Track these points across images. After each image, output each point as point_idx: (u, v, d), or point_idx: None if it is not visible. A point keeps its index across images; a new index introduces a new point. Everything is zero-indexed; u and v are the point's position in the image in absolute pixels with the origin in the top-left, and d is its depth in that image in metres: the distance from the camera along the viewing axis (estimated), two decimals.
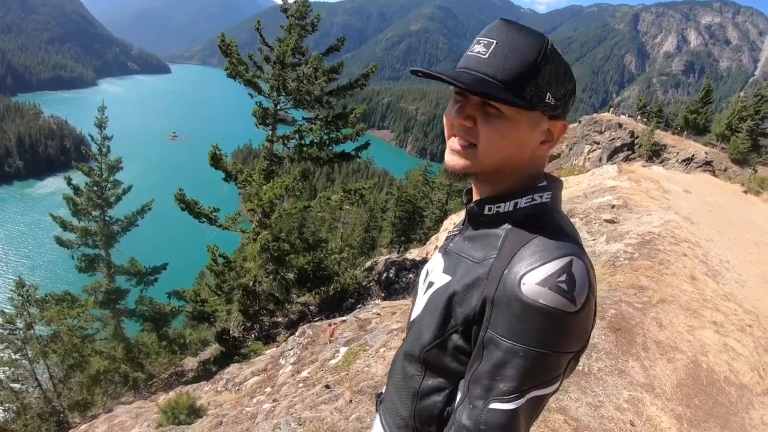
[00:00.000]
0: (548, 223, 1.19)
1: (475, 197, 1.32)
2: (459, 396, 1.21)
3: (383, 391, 1.73)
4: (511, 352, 1.05)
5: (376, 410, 1.72)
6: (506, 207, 1.22)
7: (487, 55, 1.11)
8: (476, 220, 1.29)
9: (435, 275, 1.35)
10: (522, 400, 1.06)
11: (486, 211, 1.25)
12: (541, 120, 1.17)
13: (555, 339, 1.06)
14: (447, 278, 1.27)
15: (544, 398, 1.11)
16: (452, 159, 1.22)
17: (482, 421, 1.07)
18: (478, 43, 1.14)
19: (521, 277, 1.06)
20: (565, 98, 1.18)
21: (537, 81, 1.11)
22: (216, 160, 14.82)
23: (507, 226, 1.21)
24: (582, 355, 1.18)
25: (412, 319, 1.42)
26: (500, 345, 1.06)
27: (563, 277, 1.05)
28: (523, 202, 1.21)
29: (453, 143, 1.22)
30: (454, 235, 1.41)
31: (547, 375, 1.08)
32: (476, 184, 1.30)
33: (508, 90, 1.09)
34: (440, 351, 1.24)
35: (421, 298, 1.37)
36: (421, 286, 1.44)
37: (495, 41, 1.12)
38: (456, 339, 1.20)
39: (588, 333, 1.13)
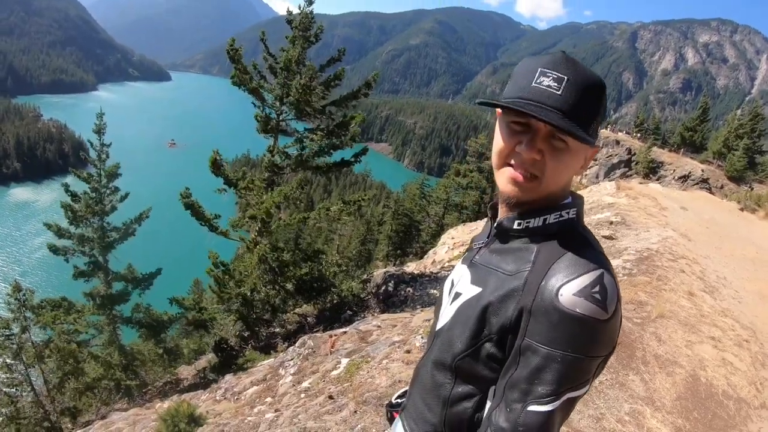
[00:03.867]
0: (577, 238, 1.28)
1: (504, 212, 1.37)
2: (490, 401, 1.28)
3: (394, 401, 1.79)
4: (549, 357, 1.12)
5: (388, 419, 1.78)
6: (536, 222, 1.29)
7: (560, 91, 1.16)
8: (505, 234, 1.35)
9: (462, 286, 1.41)
10: (558, 402, 1.13)
11: (516, 226, 1.32)
12: (588, 148, 1.24)
13: (589, 344, 1.13)
14: (477, 289, 1.33)
15: (576, 399, 1.18)
16: (514, 190, 1.26)
17: (521, 422, 1.14)
18: (545, 75, 1.18)
19: (558, 289, 1.14)
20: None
21: (598, 117, 1.20)
22: (216, 166, 14.83)
23: (538, 240, 1.28)
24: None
25: (438, 328, 1.48)
26: (538, 351, 1.14)
27: (597, 288, 1.13)
28: (552, 218, 1.28)
29: (513, 174, 1.26)
30: (479, 247, 1.46)
31: (581, 378, 1.16)
32: (514, 205, 1.34)
33: (579, 126, 1.16)
34: (473, 359, 1.30)
35: (448, 309, 1.43)
36: (446, 297, 1.50)
37: (566, 77, 1.16)
38: (489, 347, 1.26)
39: (616, 338, 1.21)
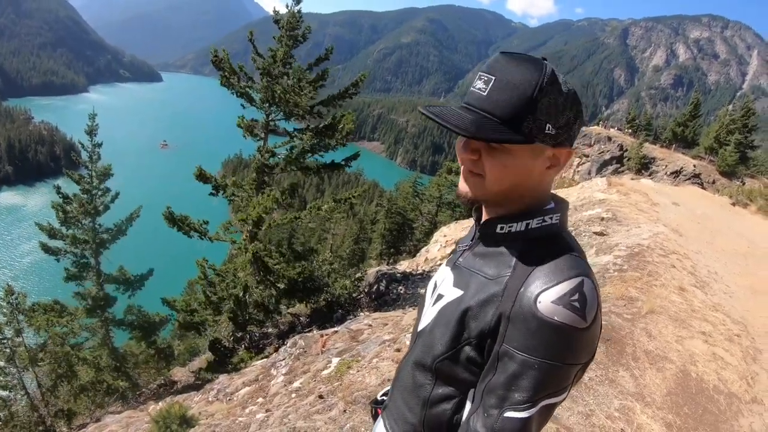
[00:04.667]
0: (559, 244, 1.26)
1: (486, 215, 1.37)
2: (469, 405, 1.28)
3: (379, 398, 1.78)
4: (526, 364, 1.11)
5: (372, 416, 1.77)
6: (518, 227, 1.28)
7: (486, 92, 1.17)
8: (488, 237, 1.35)
9: (444, 288, 1.40)
10: (534, 409, 1.12)
11: (498, 230, 1.31)
12: (544, 149, 1.22)
13: (566, 352, 1.12)
14: (459, 292, 1.32)
15: (554, 406, 1.17)
16: (463, 186, 1.29)
17: (497, 428, 1.13)
18: (480, 78, 1.20)
19: (537, 296, 1.13)
20: (568, 125, 1.22)
21: (535, 114, 1.16)
22: (203, 178, 14.83)
23: (519, 245, 1.27)
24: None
25: (420, 329, 1.47)
26: (515, 358, 1.13)
27: (576, 296, 1.12)
28: (534, 223, 1.27)
29: (463, 172, 1.28)
30: (463, 250, 1.45)
31: (558, 385, 1.14)
32: (486, 206, 1.36)
33: (506, 126, 1.15)
34: (452, 362, 1.30)
35: (430, 310, 1.43)
36: (429, 298, 1.49)
37: (493, 78, 1.17)
38: (468, 351, 1.25)
39: (595, 345, 1.20)
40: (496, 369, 1.17)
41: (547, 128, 1.18)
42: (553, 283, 1.13)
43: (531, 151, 1.21)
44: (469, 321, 1.24)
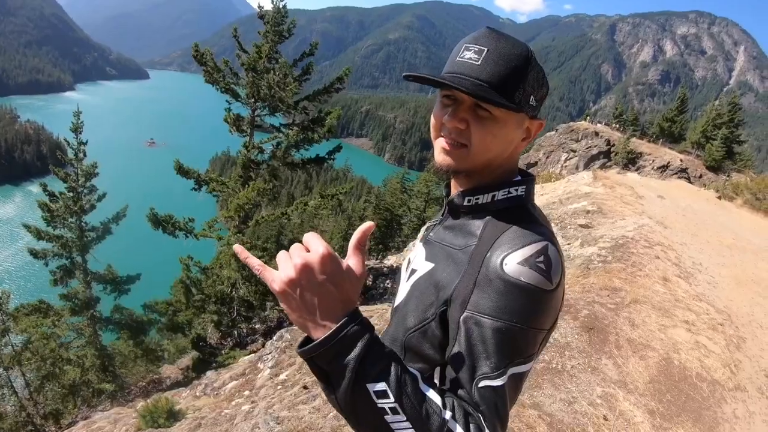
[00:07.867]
0: (523, 214, 1.28)
1: (455, 190, 1.39)
2: (436, 381, 1.26)
3: None
4: (492, 328, 1.09)
5: None
6: (485, 199, 1.30)
7: (480, 62, 1.19)
8: (456, 210, 1.37)
9: (417, 263, 1.41)
10: (506, 377, 1.09)
11: (465, 203, 1.32)
12: (524, 120, 1.26)
13: (533, 315, 1.11)
14: (430, 265, 1.33)
15: (521, 377, 1.15)
16: (444, 158, 1.28)
17: (476, 401, 1.09)
18: (468, 50, 1.22)
19: (503, 259, 1.12)
20: (542, 99, 1.27)
21: (524, 85, 1.20)
22: (183, 172, 14.80)
23: (486, 216, 1.29)
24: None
25: (395, 305, 1.47)
26: (481, 323, 1.11)
27: (541, 258, 1.12)
28: (500, 195, 1.29)
29: (443, 143, 1.28)
30: (434, 225, 1.47)
31: (525, 351, 1.13)
32: (457, 178, 1.37)
33: (501, 94, 1.17)
34: (421, 336, 1.29)
35: (404, 285, 1.44)
36: (404, 274, 1.50)
37: (486, 49, 1.19)
38: (434, 327, 1.25)
39: (558, 312, 1.20)
40: (463, 337, 1.14)
41: (531, 100, 1.23)
42: (518, 246, 1.14)
43: (516, 120, 1.24)
44: (438, 292, 1.24)
